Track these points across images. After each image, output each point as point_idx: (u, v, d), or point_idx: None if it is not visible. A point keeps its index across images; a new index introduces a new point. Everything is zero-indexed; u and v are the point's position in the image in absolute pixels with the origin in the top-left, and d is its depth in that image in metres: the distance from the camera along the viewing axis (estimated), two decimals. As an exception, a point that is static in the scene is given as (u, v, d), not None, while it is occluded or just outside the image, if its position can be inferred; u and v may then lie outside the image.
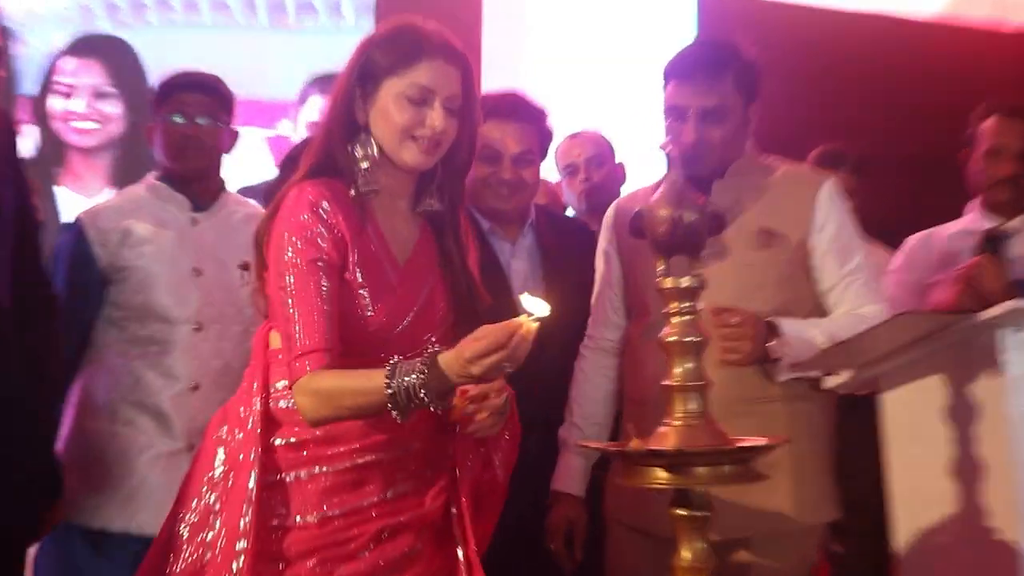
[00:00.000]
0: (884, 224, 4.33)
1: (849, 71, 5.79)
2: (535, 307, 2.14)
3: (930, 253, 3.71)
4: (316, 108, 5.32)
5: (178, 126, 3.32)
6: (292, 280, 2.28)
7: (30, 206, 2.88)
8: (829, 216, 2.93)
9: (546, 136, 3.40)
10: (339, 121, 2.41)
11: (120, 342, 3.22)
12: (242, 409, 2.42)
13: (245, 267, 3.26)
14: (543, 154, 3.42)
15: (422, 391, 2.14)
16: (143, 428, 3.21)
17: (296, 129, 5.46)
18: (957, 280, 3.19)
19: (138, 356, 3.23)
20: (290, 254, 2.29)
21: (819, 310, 2.94)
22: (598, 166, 4.31)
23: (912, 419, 2.58)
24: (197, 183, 3.39)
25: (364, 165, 2.39)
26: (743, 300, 2.80)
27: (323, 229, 2.31)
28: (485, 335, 2.12)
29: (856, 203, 4.19)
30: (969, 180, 3.73)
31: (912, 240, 3.82)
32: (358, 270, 2.35)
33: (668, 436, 2.24)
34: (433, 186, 2.48)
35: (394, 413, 2.18)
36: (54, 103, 5.21)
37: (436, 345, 2.25)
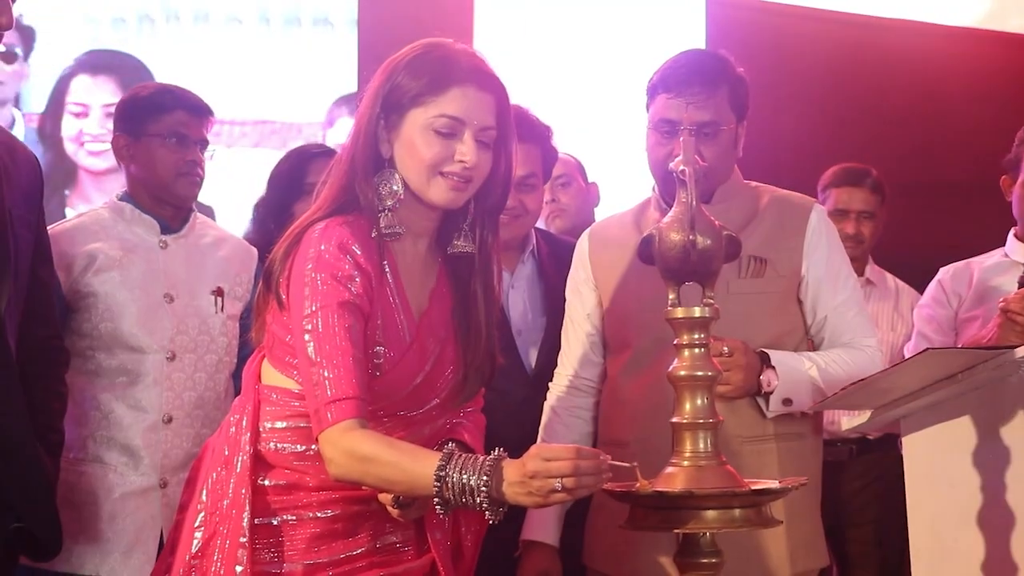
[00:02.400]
0: (918, 252, 4.20)
1: (874, 85, 5.62)
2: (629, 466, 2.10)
3: (966, 285, 3.63)
4: (346, 131, 5.11)
5: (180, 150, 3.21)
6: (320, 322, 2.17)
7: (47, 253, 2.84)
8: (819, 244, 2.89)
9: (550, 157, 3.32)
10: (363, 154, 2.29)
11: (85, 373, 3.10)
12: (226, 449, 2.33)
13: (219, 293, 3.22)
14: (547, 177, 3.36)
15: (482, 497, 2.05)
16: (112, 465, 3.10)
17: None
18: (998, 315, 3.11)
19: (105, 388, 3.12)
20: (318, 294, 2.19)
21: (808, 342, 2.92)
22: (563, 186, 4.30)
23: (936, 464, 2.51)
24: (170, 205, 3.28)
25: (389, 203, 2.27)
26: (734, 330, 2.71)
27: (355, 272, 2.21)
28: (563, 448, 2.05)
29: (875, 225, 4.13)
30: (1013, 209, 3.60)
31: (946, 271, 3.73)
32: (379, 324, 2.26)
33: (676, 477, 2.17)
34: (464, 225, 2.36)
35: (436, 504, 2.08)
36: (67, 123, 5.08)
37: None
